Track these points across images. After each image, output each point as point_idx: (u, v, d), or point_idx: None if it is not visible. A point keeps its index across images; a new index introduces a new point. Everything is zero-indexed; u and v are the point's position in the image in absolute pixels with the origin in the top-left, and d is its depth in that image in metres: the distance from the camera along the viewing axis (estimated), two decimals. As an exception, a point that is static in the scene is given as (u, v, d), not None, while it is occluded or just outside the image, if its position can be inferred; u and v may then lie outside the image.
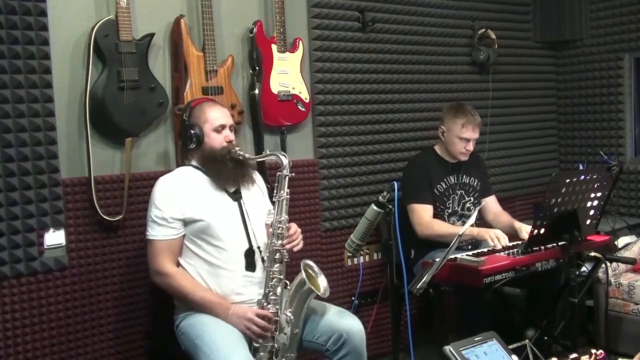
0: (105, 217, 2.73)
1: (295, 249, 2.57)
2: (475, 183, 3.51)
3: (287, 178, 2.52)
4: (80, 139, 2.71)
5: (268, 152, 2.64)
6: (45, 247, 2.61)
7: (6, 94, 2.48)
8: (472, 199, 3.49)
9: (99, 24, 2.65)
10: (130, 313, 2.86)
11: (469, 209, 3.46)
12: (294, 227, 2.58)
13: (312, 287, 2.44)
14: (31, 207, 2.55)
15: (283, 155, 2.54)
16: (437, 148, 3.51)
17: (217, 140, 2.58)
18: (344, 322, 2.56)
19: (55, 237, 2.63)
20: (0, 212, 2.48)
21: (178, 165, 2.86)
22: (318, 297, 2.51)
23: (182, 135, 2.61)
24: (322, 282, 2.53)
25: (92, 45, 2.64)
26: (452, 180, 3.44)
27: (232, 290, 2.51)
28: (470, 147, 3.38)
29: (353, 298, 3.51)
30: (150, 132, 2.89)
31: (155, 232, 2.50)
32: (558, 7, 4.52)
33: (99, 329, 2.77)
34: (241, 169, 2.60)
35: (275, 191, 2.54)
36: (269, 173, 3.05)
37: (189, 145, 2.59)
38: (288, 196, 2.53)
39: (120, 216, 2.78)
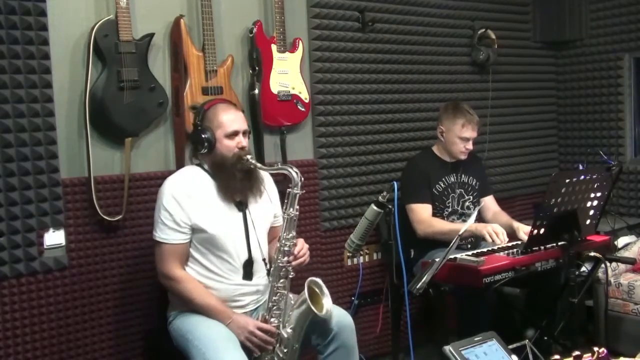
0: (105, 217, 2.73)
1: (302, 265, 2.56)
2: (474, 182, 3.52)
3: (297, 196, 2.47)
4: (80, 139, 2.71)
5: (280, 166, 2.58)
6: (45, 247, 2.61)
7: (6, 94, 2.48)
8: (471, 197, 3.49)
9: (98, 24, 2.65)
10: (130, 313, 2.86)
11: (468, 208, 3.46)
12: (300, 243, 2.56)
13: (314, 308, 2.43)
14: (31, 207, 2.55)
15: (295, 171, 2.48)
16: (434, 149, 3.52)
17: (228, 147, 2.52)
18: (334, 316, 2.55)
19: (55, 237, 2.63)
20: (0, 212, 2.48)
21: (178, 166, 2.86)
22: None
23: (194, 138, 2.56)
24: (327, 302, 2.50)
25: (92, 45, 2.64)
26: (451, 180, 3.44)
27: (229, 297, 2.52)
28: (470, 146, 3.39)
29: (353, 298, 3.51)
30: (150, 132, 2.89)
31: (165, 235, 2.48)
32: (558, 7, 4.52)
33: (98, 329, 2.77)
34: (249, 181, 2.55)
35: (284, 208, 2.51)
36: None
37: (200, 150, 2.53)
38: (297, 213, 2.49)
39: (120, 216, 2.78)
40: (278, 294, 2.48)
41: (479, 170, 3.61)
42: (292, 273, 2.51)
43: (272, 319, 2.48)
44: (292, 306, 2.50)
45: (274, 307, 2.49)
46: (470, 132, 3.36)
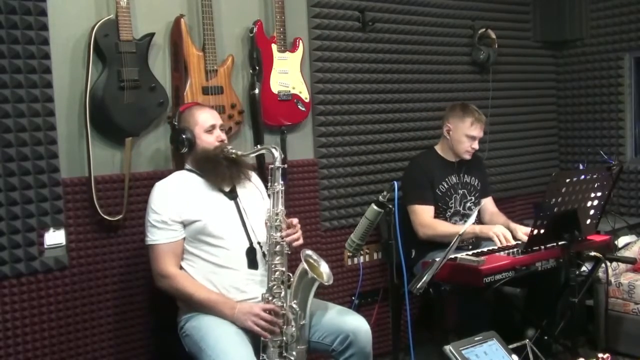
0: (105, 217, 2.73)
1: (295, 244, 2.57)
2: (476, 183, 3.52)
3: (279, 169, 2.53)
4: (80, 138, 2.71)
5: (259, 147, 2.65)
6: (46, 246, 2.61)
7: (6, 94, 2.48)
8: (473, 198, 3.49)
9: (99, 24, 2.65)
10: (130, 313, 2.86)
11: (469, 209, 3.46)
12: (293, 220, 2.59)
13: (315, 276, 2.44)
14: (31, 207, 2.55)
15: (274, 148, 2.56)
16: (437, 148, 3.51)
17: (209, 141, 2.60)
18: (351, 322, 2.56)
19: (55, 237, 2.63)
20: (0, 212, 2.48)
21: (178, 167, 2.86)
22: (321, 289, 2.50)
23: (174, 140, 2.64)
24: (325, 269, 2.53)
25: (92, 45, 2.64)
26: (454, 180, 3.44)
27: (236, 289, 2.51)
28: (476, 145, 3.42)
29: (353, 298, 3.51)
30: (150, 132, 2.89)
31: (156, 237, 2.50)
32: (558, 7, 4.52)
33: (99, 329, 2.77)
34: (236, 167, 2.61)
35: (269, 184, 2.55)
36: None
37: (181, 150, 2.60)
38: (283, 188, 2.53)
39: (120, 216, 2.78)
40: (277, 272, 2.48)
41: (481, 171, 3.61)
42: (287, 249, 2.52)
43: (273, 300, 2.46)
44: (293, 282, 2.49)
45: (274, 287, 2.47)
46: (478, 131, 3.38)
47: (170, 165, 2.94)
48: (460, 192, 3.45)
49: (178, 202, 2.50)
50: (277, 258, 2.49)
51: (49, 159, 2.59)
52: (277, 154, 2.54)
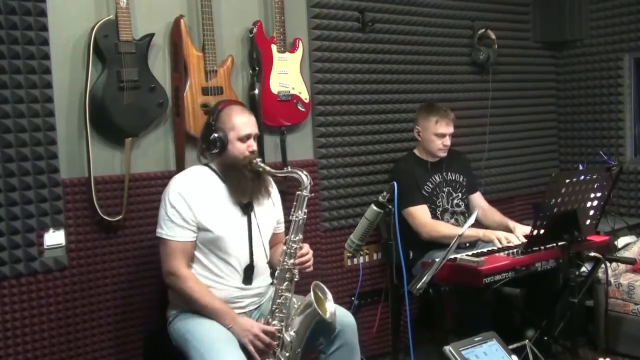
0: (105, 217, 2.73)
1: (305, 271, 2.56)
2: (461, 179, 3.54)
3: (306, 199, 2.49)
4: (80, 139, 2.71)
5: (289, 169, 2.57)
6: (45, 247, 2.61)
7: (6, 94, 2.48)
8: (459, 194, 3.52)
9: (98, 24, 2.65)
10: (130, 313, 2.85)
11: (457, 205, 3.49)
12: (306, 247, 2.56)
13: (319, 311, 2.42)
14: (31, 207, 2.55)
15: (305, 174, 2.50)
16: (416, 151, 3.56)
17: (240, 150, 2.54)
18: (337, 316, 2.55)
19: (55, 237, 2.63)
20: (0, 212, 2.48)
21: (178, 166, 2.86)
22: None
23: (206, 138, 2.56)
24: (330, 307, 2.49)
25: (92, 46, 2.64)
26: (437, 179, 3.46)
27: (227, 299, 2.52)
28: (447, 142, 3.43)
29: (353, 298, 3.51)
30: (150, 132, 2.89)
31: (173, 233, 2.47)
32: (558, 7, 4.52)
33: (98, 329, 2.77)
34: (259, 182, 2.57)
35: (292, 210, 2.51)
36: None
37: (212, 150, 2.55)
38: (305, 216, 2.50)
39: (120, 216, 2.78)
40: (282, 297, 2.48)
41: (464, 166, 3.64)
42: (297, 276, 2.50)
43: (274, 322, 2.47)
44: (296, 310, 2.49)
45: (277, 310, 2.48)
46: (444, 128, 3.40)
47: (170, 165, 2.93)
48: (446, 190, 3.48)
49: (196, 204, 2.47)
50: (285, 284, 2.49)
51: (49, 160, 2.59)
52: (306, 181, 2.48)
